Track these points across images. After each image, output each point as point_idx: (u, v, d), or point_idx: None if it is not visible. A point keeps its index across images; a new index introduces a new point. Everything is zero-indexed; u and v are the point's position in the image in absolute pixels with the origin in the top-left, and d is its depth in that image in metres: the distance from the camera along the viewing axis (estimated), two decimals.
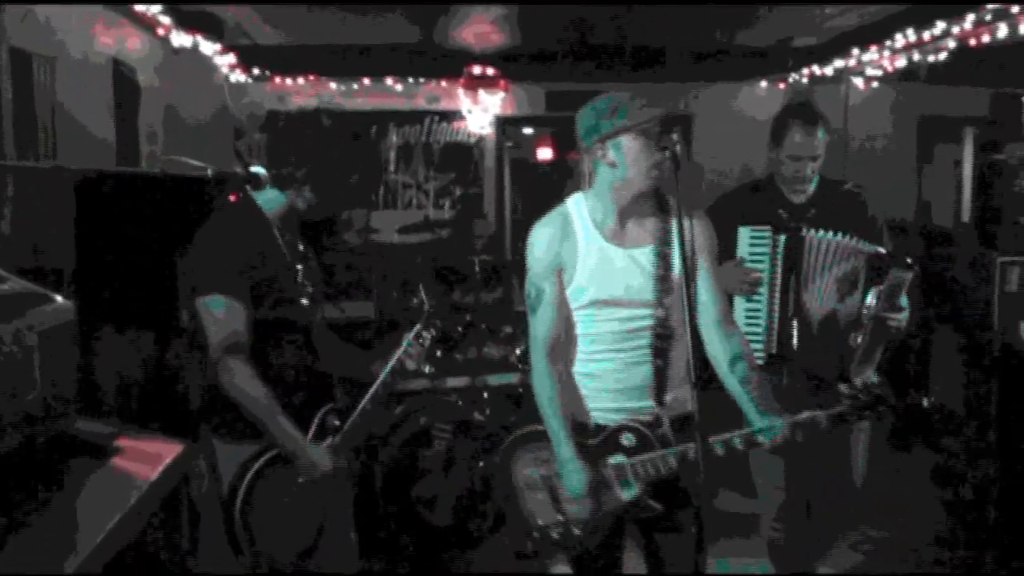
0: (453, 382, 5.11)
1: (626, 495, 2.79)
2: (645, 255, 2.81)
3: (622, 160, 2.76)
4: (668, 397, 2.82)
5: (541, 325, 2.85)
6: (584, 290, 2.79)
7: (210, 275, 2.77)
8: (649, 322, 2.79)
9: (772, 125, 3.74)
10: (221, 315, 2.76)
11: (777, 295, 3.59)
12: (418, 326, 3.18)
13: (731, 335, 2.88)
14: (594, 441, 2.82)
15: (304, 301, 2.99)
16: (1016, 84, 6.30)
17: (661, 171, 2.72)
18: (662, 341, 2.79)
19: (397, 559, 4.60)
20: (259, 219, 2.89)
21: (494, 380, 5.09)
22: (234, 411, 2.79)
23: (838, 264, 3.56)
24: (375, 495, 4.61)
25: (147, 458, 2.32)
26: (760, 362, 3.53)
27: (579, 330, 2.86)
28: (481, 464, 4.64)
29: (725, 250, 3.55)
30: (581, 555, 2.95)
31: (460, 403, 4.95)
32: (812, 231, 3.57)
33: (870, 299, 3.51)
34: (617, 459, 2.79)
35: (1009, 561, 4.40)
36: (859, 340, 3.53)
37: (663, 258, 2.79)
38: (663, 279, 2.77)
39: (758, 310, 3.62)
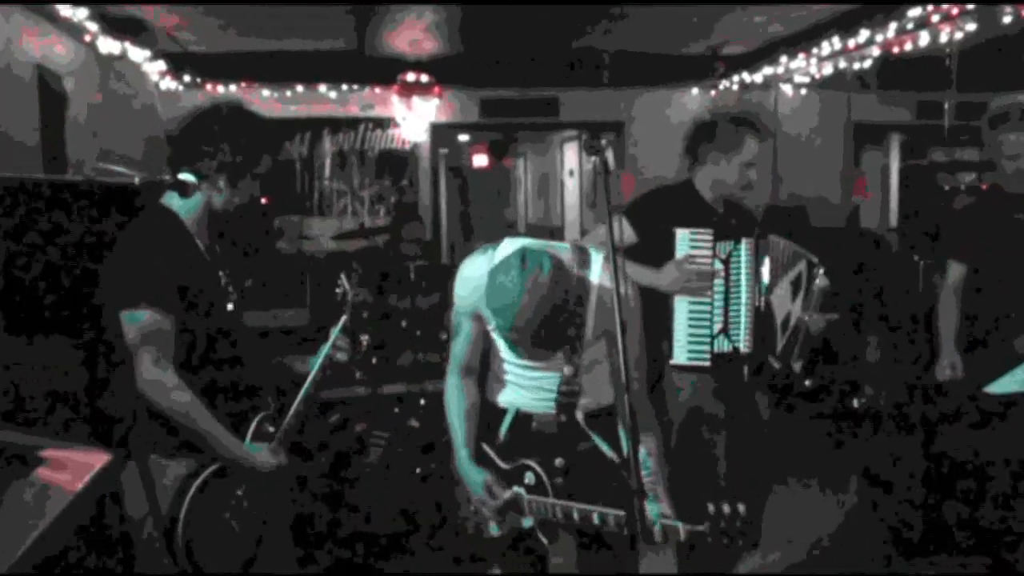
0: (390, 388, 5.10)
1: (523, 523, 2.88)
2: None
3: None
4: (583, 402, 2.89)
5: (458, 350, 3.00)
6: (498, 332, 2.81)
7: (133, 286, 2.70)
8: (555, 375, 2.86)
9: (718, 134, 3.82)
10: (146, 327, 2.70)
11: (741, 296, 3.70)
12: (344, 317, 3.17)
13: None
14: (504, 467, 2.91)
15: (229, 307, 2.95)
16: (939, 90, 6.45)
17: None
18: (566, 404, 2.87)
19: (333, 567, 4.57)
20: (177, 225, 2.84)
21: (431, 386, 5.10)
22: (166, 425, 2.75)
23: (791, 267, 3.76)
24: (311, 502, 4.58)
25: (73, 468, 2.28)
26: (705, 363, 3.66)
27: (493, 354, 2.99)
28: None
29: (655, 248, 3.66)
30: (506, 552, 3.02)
31: (396, 410, 4.94)
32: (773, 236, 3.73)
33: (804, 302, 3.74)
34: (517, 490, 2.87)
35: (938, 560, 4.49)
36: (797, 340, 3.72)
37: (579, 318, 2.81)
38: (575, 342, 2.82)
39: (704, 312, 3.71)
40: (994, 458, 4.03)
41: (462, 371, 3.01)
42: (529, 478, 2.85)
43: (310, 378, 3.06)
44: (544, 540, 2.86)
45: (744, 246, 3.70)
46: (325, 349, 3.13)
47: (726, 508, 2.48)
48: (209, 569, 2.76)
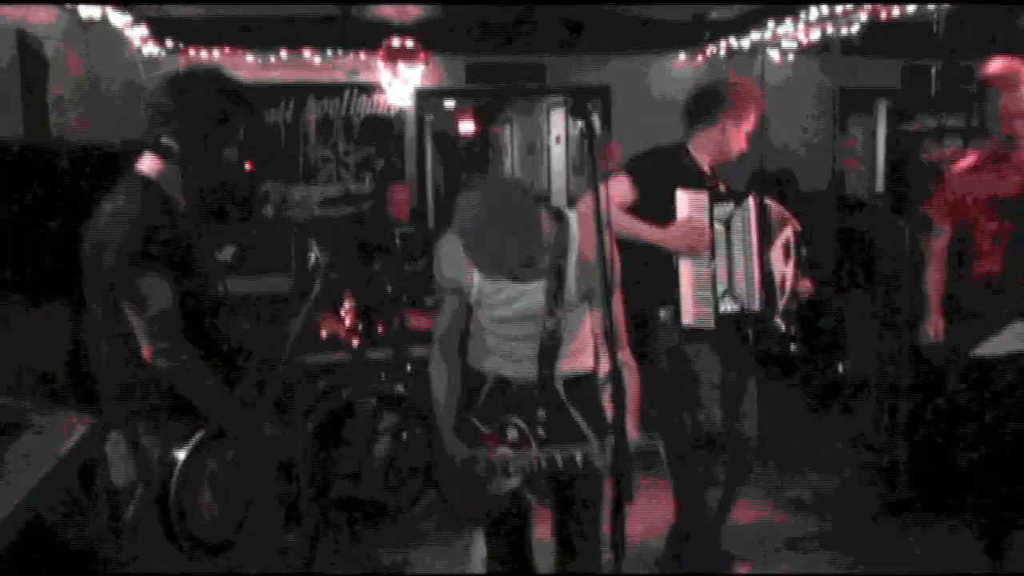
0: (376, 355, 5.09)
1: (508, 484, 2.90)
2: (534, 287, 2.89)
3: None
4: (563, 371, 2.96)
5: (441, 322, 3.07)
6: (473, 300, 2.97)
7: (130, 260, 2.67)
8: (536, 335, 2.91)
9: (725, 99, 3.87)
10: (150, 298, 2.67)
11: (752, 257, 3.77)
12: (317, 284, 3.17)
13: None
14: (485, 430, 2.95)
15: (214, 271, 2.94)
16: (926, 56, 6.43)
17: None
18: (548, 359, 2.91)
19: (320, 532, 4.58)
20: (160, 193, 2.80)
21: (416, 351, 5.08)
22: (159, 395, 2.74)
23: (782, 230, 3.88)
24: (298, 469, 4.57)
25: (57, 433, 2.28)
26: (711, 325, 3.72)
27: (475, 317, 3.05)
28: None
29: (653, 208, 3.67)
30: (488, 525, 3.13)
31: (383, 376, 4.93)
32: (767, 199, 3.83)
33: (795, 266, 3.91)
34: (500, 451, 2.90)
35: (923, 524, 4.53)
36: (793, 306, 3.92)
37: (554, 283, 2.86)
38: (558, 301, 2.86)
39: (704, 272, 3.74)
40: (979, 419, 4.06)
41: (444, 344, 3.06)
42: (512, 434, 2.89)
43: (292, 337, 3.06)
44: (530, 498, 2.88)
45: (744, 209, 3.75)
46: (302, 314, 3.13)
47: (701, 416, 2.58)
48: (201, 534, 2.77)
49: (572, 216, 2.89)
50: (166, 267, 2.70)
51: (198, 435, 2.76)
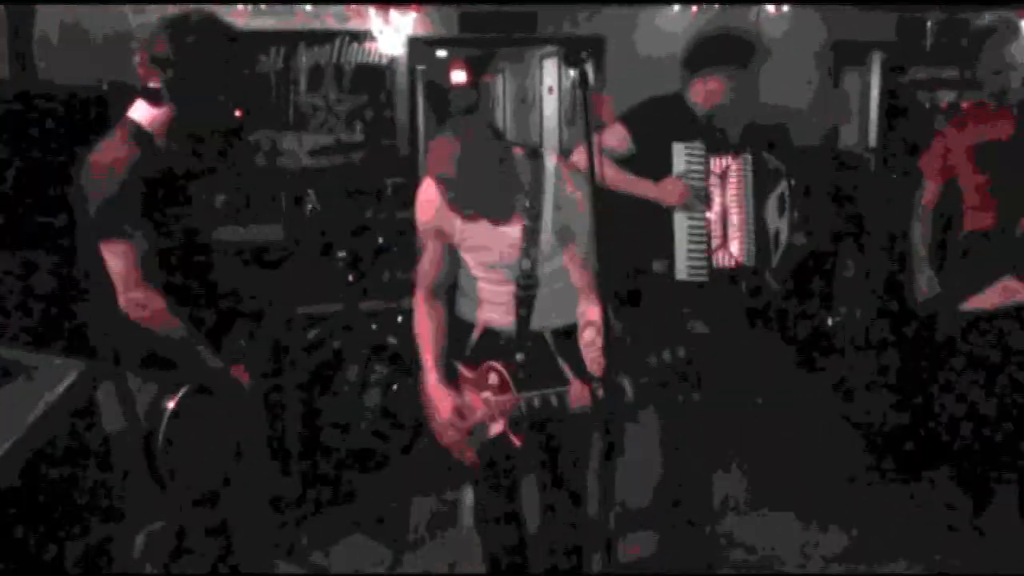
0: (366, 305, 5.09)
1: (493, 430, 2.95)
2: (513, 227, 2.89)
3: None
4: (553, 321, 2.99)
5: (424, 269, 3.08)
6: (454, 247, 3.01)
7: (111, 207, 2.65)
8: (513, 277, 2.93)
9: (727, 49, 3.87)
10: (128, 248, 2.67)
11: (748, 211, 3.77)
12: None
13: (594, 300, 2.96)
14: (470, 375, 2.99)
15: (202, 222, 2.92)
16: (920, 7, 6.39)
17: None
18: (525, 298, 2.93)
19: (310, 481, 4.61)
20: (147, 141, 2.77)
21: (407, 303, 5.08)
22: (145, 344, 2.73)
23: (776, 183, 3.87)
24: (288, 418, 4.59)
25: (48, 377, 2.28)
26: (703, 277, 3.71)
27: (462, 273, 3.09)
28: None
29: (649, 158, 3.65)
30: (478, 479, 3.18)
31: (374, 327, 4.94)
32: (764, 153, 3.84)
33: (789, 220, 3.90)
34: (485, 395, 2.94)
35: (907, 474, 4.57)
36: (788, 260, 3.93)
37: (533, 232, 2.85)
38: (528, 240, 2.86)
39: (701, 227, 3.75)
40: (966, 376, 4.09)
41: (428, 290, 3.08)
42: (492, 379, 2.92)
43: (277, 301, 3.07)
44: (515, 442, 2.89)
45: (740, 162, 3.76)
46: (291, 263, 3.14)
47: (667, 355, 2.58)
48: (187, 484, 2.78)
49: (548, 154, 2.90)
50: (150, 215, 2.69)
51: (184, 387, 2.77)
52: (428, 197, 2.92)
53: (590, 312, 2.90)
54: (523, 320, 2.95)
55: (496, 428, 2.94)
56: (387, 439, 4.79)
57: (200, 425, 2.81)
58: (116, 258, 2.67)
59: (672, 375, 2.57)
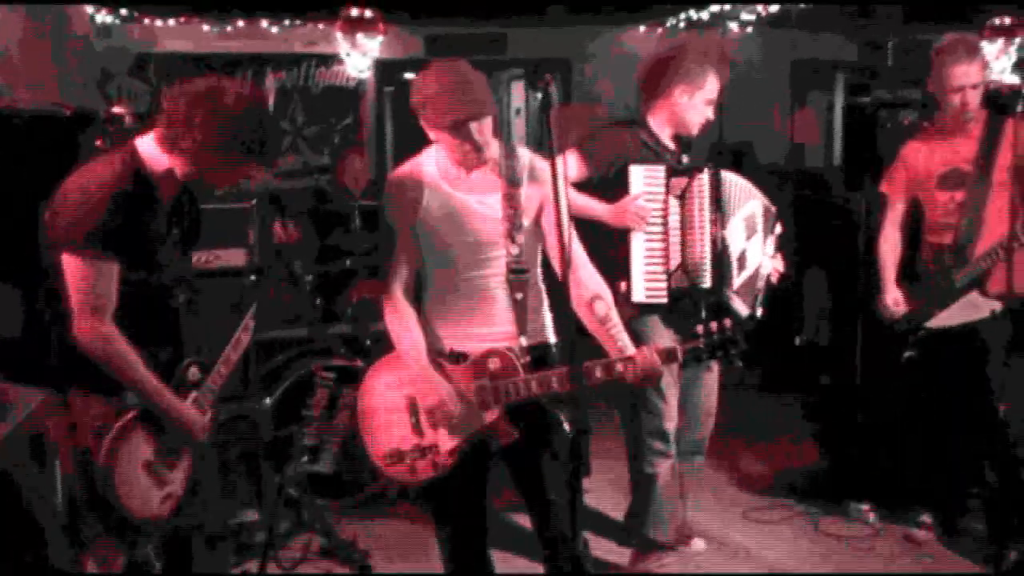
0: (334, 329, 5.06)
1: (487, 418, 2.89)
2: (493, 200, 2.92)
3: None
4: (527, 328, 2.95)
5: (396, 268, 2.99)
6: (433, 235, 2.93)
7: (75, 229, 2.63)
8: (500, 265, 2.93)
9: (681, 69, 3.78)
10: (87, 273, 2.63)
11: (698, 232, 3.70)
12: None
13: (592, 274, 3.02)
14: (460, 364, 2.94)
15: (173, 258, 2.89)
16: (883, 30, 6.47)
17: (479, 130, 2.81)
18: (518, 283, 2.92)
19: (279, 507, 4.55)
20: (142, 175, 2.74)
21: (374, 326, 5.06)
22: (95, 369, 2.70)
23: (744, 204, 3.80)
24: (257, 444, 4.55)
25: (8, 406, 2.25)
26: (662, 299, 3.67)
27: (432, 268, 3.00)
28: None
29: (608, 186, 3.68)
30: (440, 485, 3.02)
31: (342, 350, 4.90)
32: (726, 172, 3.74)
33: (761, 243, 3.84)
34: (481, 382, 2.89)
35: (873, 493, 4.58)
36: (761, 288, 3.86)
37: (513, 201, 2.90)
38: (513, 223, 2.89)
39: (659, 249, 3.71)
40: (932, 392, 4.12)
41: (403, 287, 3.00)
42: (492, 363, 2.89)
43: (241, 325, 3.05)
44: (513, 432, 2.89)
45: (698, 182, 3.69)
46: (252, 308, 3.12)
47: (713, 324, 2.74)
48: (134, 511, 2.75)
49: (524, 152, 2.94)
50: (121, 250, 2.66)
51: (129, 414, 2.73)
52: (397, 179, 2.95)
53: (592, 284, 2.95)
54: (520, 304, 2.93)
55: (490, 416, 2.89)
56: (357, 464, 4.75)
57: (146, 453, 2.78)
58: (77, 276, 2.62)
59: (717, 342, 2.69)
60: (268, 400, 4.53)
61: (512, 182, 2.90)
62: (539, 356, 2.95)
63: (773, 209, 3.90)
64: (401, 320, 2.97)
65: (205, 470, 3.02)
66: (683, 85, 3.78)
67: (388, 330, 3.00)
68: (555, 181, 2.52)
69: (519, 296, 2.93)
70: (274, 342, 5.02)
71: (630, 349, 2.88)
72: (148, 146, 2.73)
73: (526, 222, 2.92)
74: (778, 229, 3.92)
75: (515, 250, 2.90)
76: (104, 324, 2.65)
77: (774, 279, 3.91)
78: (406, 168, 2.98)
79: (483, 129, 2.80)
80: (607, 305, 2.96)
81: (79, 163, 2.76)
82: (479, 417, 2.90)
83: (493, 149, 2.91)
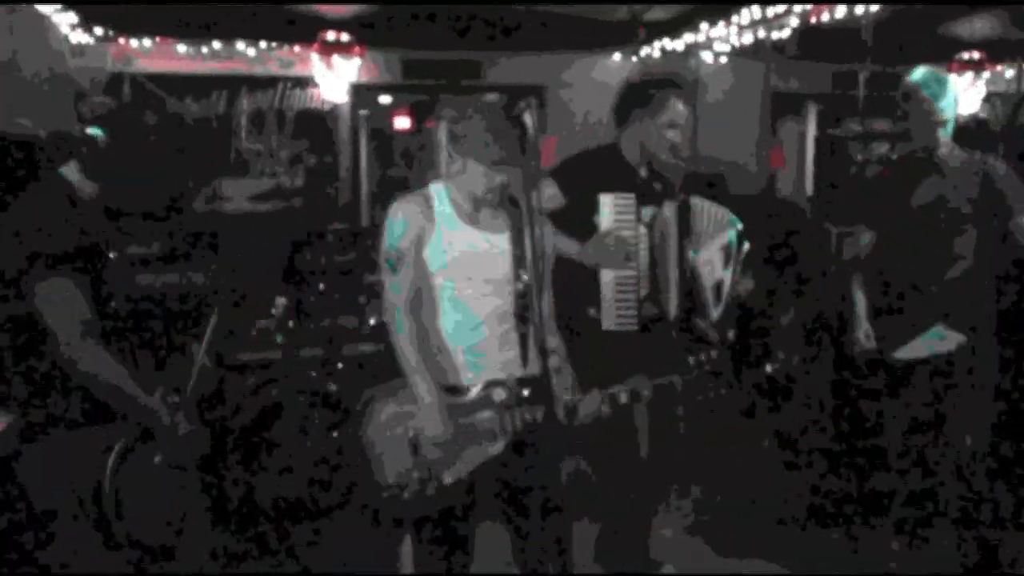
0: (307, 352, 5.05)
1: (492, 449, 2.93)
2: (502, 239, 2.99)
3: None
4: (530, 362, 3.00)
5: (402, 284, 2.95)
6: (442, 270, 2.96)
7: (49, 254, 2.62)
8: (510, 300, 2.98)
9: (643, 95, 3.81)
10: (67, 297, 2.63)
11: (668, 260, 3.72)
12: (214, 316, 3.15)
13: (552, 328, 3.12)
14: (464, 398, 2.96)
15: (124, 276, 2.89)
16: (855, 61, 6.54)
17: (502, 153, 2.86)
18: (524, 313, 2.96)
19: (248, 531, 4.53)
20: (73, 192, 2.75)
21: (348, 350, 5.05)
22: (79, 396, 2.69)
23: (719, 232, 3.81)
24: (226, 467, 4.52)
25: None
26: (632, 327, 3.70)
27: (445, 304, 3.00)
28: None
29: (579, 213, 3.66)
30: (433, 518, 3.01)
31: (314, 373, 4.89)
32: (697, 198, 3.77)
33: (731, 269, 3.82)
34: (486, 414, 2.93)
35: (845, 520, 4.60)
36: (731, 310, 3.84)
37: (520, 240, 2.93)
38: (520, 260, 2.93)
39: (630, 277, 3.70)
40: (902, 421, 4.15)
41: (407, 307, 2.96)
42: (498, 395, 2.93)
43: (207, 334, 3.05)
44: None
45: (667, 210, 3.71)
46: (214, 316, 3.12)
47: (703, 356, 2.90)
48: (143, 537, 2.74)
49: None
50: (81, 268, 2.66)
51: (124, 439, 2.72)
52: (408, 205, 2.97)
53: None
54: (523, 337, 2.97)
55: (495, 449, 2.93)
56: (328, 488, 4.73)
57: (146, 475, 2.77)
58: (57, 302, 2.62)
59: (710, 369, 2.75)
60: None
61: (519, 220, 2.93)
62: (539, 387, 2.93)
63: (741, 228, 3.88)
64: (404, 345, 2.94)
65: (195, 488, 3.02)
66: (641, 110, 3.79)
67: (396, 352, 2.96)
68: (530, 212, 2.54)
69: (523, 329, 2.97)
70: (245, 365, 5.01)
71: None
72: (72, 161, 2.76)
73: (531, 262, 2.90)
74: (747, 247, 3.90)
75: (520, 286, 2.94)
76: (93, 345, 2.65)
77: (742, 293, 3.90)
78: (416, 194, 3.02)
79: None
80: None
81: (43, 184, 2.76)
82: (483, 449, 2.93)
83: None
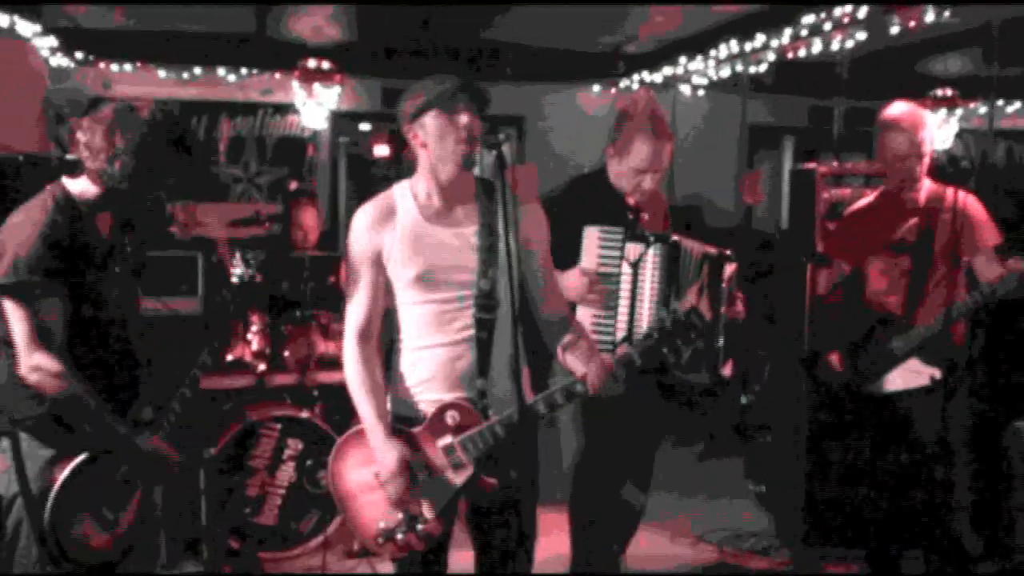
0: (282, 379, 5.02)
1: (460, 477, 2.77)
2: (467, 235, 2.84)
3: (428, 139, 2.85)
4: (494, 376, 2.83)
5: (355, 308, 2.86)
6: (403, 269, 2.81)
7: (18, 266, 2.63)
8: (471, 303, 2.81)
9: (615, 131, 3.68)
10: (31, 308, 2.64)
11: (648, 304, 3.53)
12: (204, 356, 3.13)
13: (563, 317, 3.00)
14: (419, 428, 2.80)
15: (117, 293, 2.89)
16: (831, 96, 6.62)
17: (469, 146, 2.81)
18: (486, 320, 2.80)
19: (220, 558, 4.49)
20: (72, 208, 2.77)
21: (324, 377, 5.04)
22: (43, 407, 2.68)
23: (698, 273, 3.62)
24: (198, 493, 4.48)
25: None
26: None
27: (402, 315, 2.87)
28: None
29: (566, 244, 3.42)
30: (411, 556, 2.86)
31: (289, 400, 4.87)
32: (688, 241, 3.59)
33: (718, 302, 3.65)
34: (444, 440, 2.77)
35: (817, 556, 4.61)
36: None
37: (487, 239, 2.82)
38: (486, 259, 2.80)
39: (608, 318, 3.55)
40: (873, 454, 4.17)
41: (360, 333, 2.86)
42: (452, 417, 2.77)
43: (198, 362, 3.04)
44: (493, 481, 2.76)
45: (653, 251, 3.53)
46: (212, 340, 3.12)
47: (664, 313, 2.79)
48: (79, 557, 2.72)
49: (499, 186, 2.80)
50: (65, 283, 2.67)
51: (82, 455, 2.72)
52: (365, 214, 2.85)
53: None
54: (483, 343, 2.79)
55: (462, 476, 2.75)
56: (301, 515, 4.70)
57: (95, 493, 2.75)
58: (21, 313, 2.64)
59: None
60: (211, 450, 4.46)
61: (490, 220, 2.84)
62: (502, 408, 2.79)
63: (727, 254, 3.74)
64: (353, 374, 2.83)
65: (147, 513, 2.99)
66: (611, 148, 3.70)
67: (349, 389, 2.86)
68: (507, 233, 2.54)
69: (484, 345, 2.80)
70: (219, 391, 4.99)
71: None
72: (72, 180, 2.76)
73: (500, 263, 2.78)
74: (730, 269, 3.72)
75: (486, 286, 2.80)
76: (52, 359, 2.64)
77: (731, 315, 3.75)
78: (376, 200, 2.90)
79: None
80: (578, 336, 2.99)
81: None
82: (449, 481, 2.77)
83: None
